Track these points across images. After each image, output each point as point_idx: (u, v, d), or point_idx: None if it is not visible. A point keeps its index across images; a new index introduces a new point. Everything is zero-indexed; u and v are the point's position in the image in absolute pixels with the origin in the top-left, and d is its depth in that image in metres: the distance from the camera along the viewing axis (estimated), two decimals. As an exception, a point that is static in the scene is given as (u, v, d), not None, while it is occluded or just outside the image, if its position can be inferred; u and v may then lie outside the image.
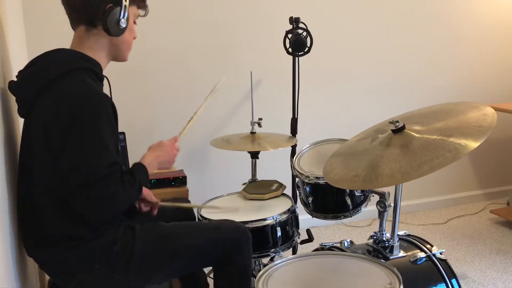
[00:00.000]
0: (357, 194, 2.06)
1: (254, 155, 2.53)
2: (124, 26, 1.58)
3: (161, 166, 1.71)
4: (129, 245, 1.58)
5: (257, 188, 2.34)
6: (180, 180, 2.56)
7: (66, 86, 1.50)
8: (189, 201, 2.28)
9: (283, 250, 2.10)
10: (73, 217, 1.50)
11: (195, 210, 2.14)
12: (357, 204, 2.08)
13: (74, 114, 1.46)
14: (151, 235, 1.65)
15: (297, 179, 2.21)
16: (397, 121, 1.66)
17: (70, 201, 1.47)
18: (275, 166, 2.90)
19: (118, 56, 1.68)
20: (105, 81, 1.67)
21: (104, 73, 1.66)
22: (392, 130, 1.68)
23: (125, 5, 1.56)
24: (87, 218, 1.51)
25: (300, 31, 2.61)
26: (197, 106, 1.93)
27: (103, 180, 1.44)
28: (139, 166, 1.62)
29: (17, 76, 1.59)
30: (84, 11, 1.56)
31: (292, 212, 2.14)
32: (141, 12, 1.70)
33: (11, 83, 1.59)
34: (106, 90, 1.64)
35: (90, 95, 1.49)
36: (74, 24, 1.62)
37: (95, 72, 1.59)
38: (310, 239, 2.59)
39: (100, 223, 1.54)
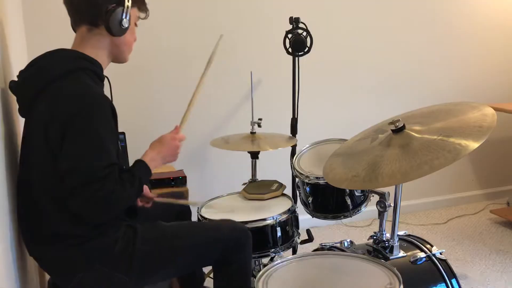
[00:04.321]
0: (357, 194, 2.06)
1: (254, 155, 2.53)
2: (126, 26, 1.58)
3: (165, 160, 1.70)
4: (130, 244, 1.59)
5: (257, 188, 2.34)
6: (180, 180, 2.57)
7: (65, 87, 1.50)
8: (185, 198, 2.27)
9: (283, 250, 2.10)
10: (73, 216, 1.50)
11: (194, 209, 2.14)
12: (357, 204, 2.08)
13: (72, 114, 1.46)
14: (152, 235, 1.65)
15: (297, 179, 2.21)
16: (397, 121, 1.66)
17: (68, 202, 1.47)
18: (275, 166, 2.90)
19: (118, 56, 1.69)
20: (105, 81, 1.68)
21: (105, 73, 1.66)
22: (392, 130, 1.67)
23: (128, 6, 1.57)
24: (86, 219, 1.51)
25: (300, 31, 2.61)
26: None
27: (99, 181, 1.43)
28: (140, 163, 1.62)
29: (18, 76, 1.60)
30: (87, 10, 1.57)
31: (292, 212, 2.14)
32: (142, 14, 1.71)
33: (12, 83, 1.60)
34: (106, 90, 1.64)
35: (88, 96, 1.50)
36: (76, 24, 1.63)
37: (96, 72, 1.59)
38: (310, 239, 2.58)
39: (100, 222, 1.54)
